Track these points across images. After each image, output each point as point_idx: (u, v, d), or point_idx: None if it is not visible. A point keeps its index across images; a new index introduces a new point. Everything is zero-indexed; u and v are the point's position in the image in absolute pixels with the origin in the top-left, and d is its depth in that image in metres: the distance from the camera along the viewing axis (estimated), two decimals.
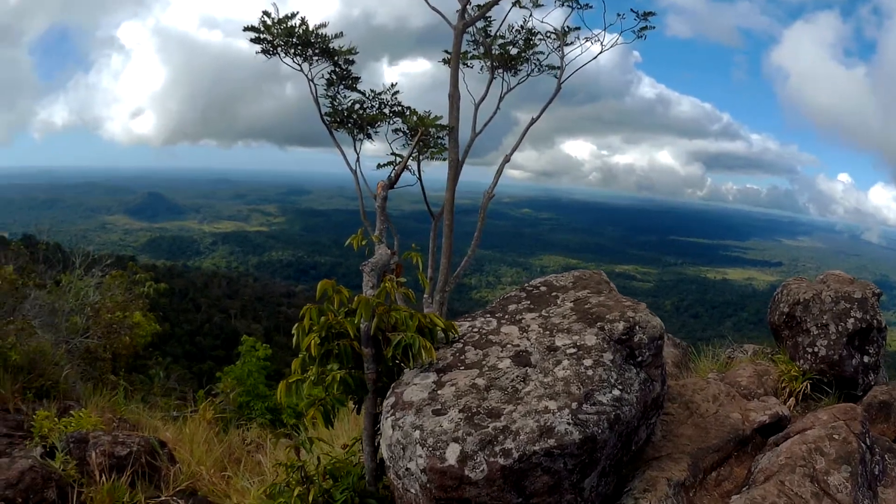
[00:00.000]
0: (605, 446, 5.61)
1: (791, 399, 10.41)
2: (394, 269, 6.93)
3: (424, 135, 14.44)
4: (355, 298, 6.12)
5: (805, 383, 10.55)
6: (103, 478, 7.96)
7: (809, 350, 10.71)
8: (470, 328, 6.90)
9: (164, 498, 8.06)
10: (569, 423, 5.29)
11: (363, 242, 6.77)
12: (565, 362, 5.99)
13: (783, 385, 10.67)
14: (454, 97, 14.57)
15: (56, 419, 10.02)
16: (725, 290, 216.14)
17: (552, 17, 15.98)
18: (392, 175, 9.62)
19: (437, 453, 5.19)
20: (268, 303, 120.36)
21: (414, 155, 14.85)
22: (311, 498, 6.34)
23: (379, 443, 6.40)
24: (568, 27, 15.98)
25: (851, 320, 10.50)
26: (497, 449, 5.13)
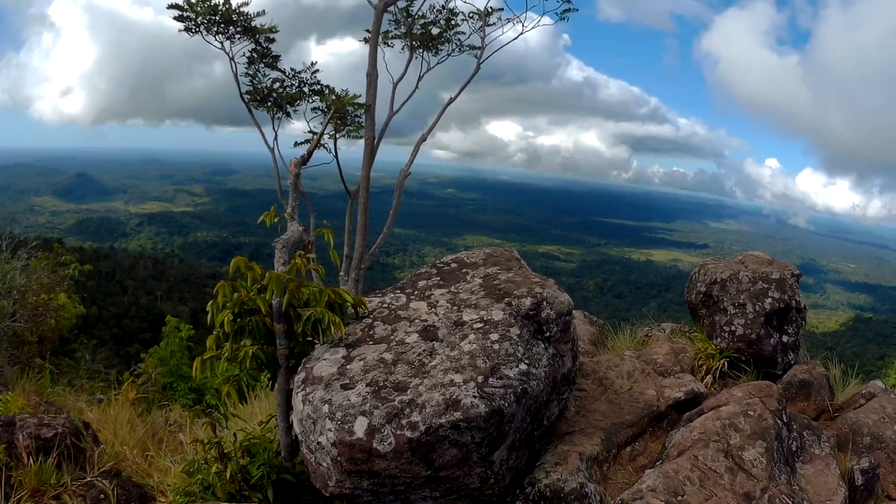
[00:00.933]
0: (512, 420, 5.70)
1: (708, 377, 10.54)
2: (306, 246, 6.98)
3: (339, 112, 14.50)
4: (266, 274, 6.16)
5: (722, 361, 10.69)
6: (31, 460, 7.88)
7: (727, 329, 10.84)
8: (380, 304, 6.97)
9: (88, 479, 7.98)
10: (475, 397, 5.37)
11: (276, 220, 6.81)
12: (471, 336, 6.07)
13: (700, 363, 10.80)
14: (371, 76, 14.65)
15: None
16: (650, 271, 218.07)
17: None
18: (305, 153, 9.64)
19: (346, 427, 5.26)
20: (193, 284, 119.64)
21: (330, 133, 14.93)
22: (227, 474, 6.38)
23: (292, 418, 6.46)
24: (491, 8, 16.08)
25: (769, 300, 10.64)
26: (404, 422, 5.20)
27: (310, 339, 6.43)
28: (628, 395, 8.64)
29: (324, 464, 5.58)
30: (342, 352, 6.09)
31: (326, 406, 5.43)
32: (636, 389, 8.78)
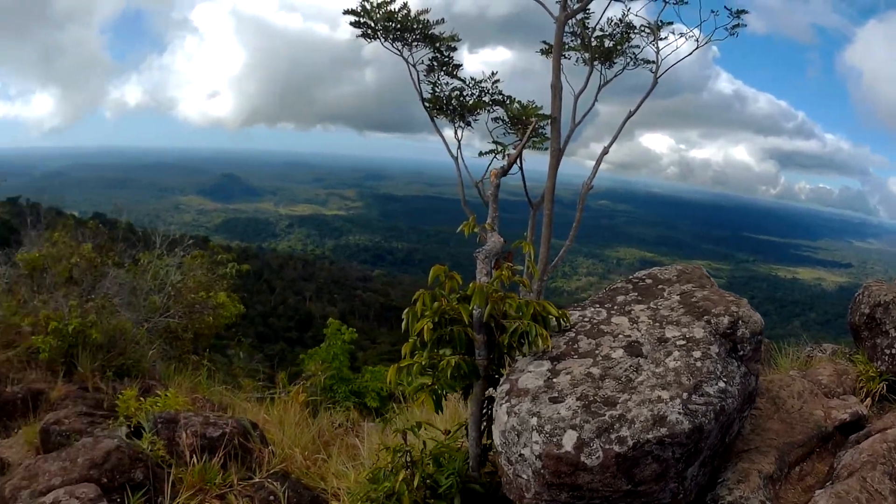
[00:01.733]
0: (709, 437, 5.68)
1: (867, 399, 10.34)
2: (505, 257, 7.00)
3: (529, 124, 14.46)
4: (470, 285, 6.17)
5: (882, 384, 10.48)
6: (194, 459, 8.01)
7: (888, 352, 10.53)
8: (581, 318, 6.95)
9: (257, 479, 8.06)
10: (680, 413, 5.36)
11: (475, 230, 6.82)
12: (675, 353, 6.05)
13: (861, 385, 10.61)
14: (556, 87, 14.54)
15: (142, 399, 10.16)
16: (795, 289, 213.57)
17: (642, 12, 15.96)
18: (506, 164, 9.65)
19: (554, 440, 5.26)
20: (343, 286, 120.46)
21: (515, 144, 14.89)
22: (415, 482, 6.42)
23: (484, 429, 6.48)
24: (661, 21, 15.95)
25: None
26: (613, 437, 5.20)
27: (507, 351, 6.43)
28: (798, 414, 8.53)
29: (523, 476, 5.59)
30: (547, 364, 6.09)
31: (535, 419, 5.44)
32: (805, 410, 8.67)
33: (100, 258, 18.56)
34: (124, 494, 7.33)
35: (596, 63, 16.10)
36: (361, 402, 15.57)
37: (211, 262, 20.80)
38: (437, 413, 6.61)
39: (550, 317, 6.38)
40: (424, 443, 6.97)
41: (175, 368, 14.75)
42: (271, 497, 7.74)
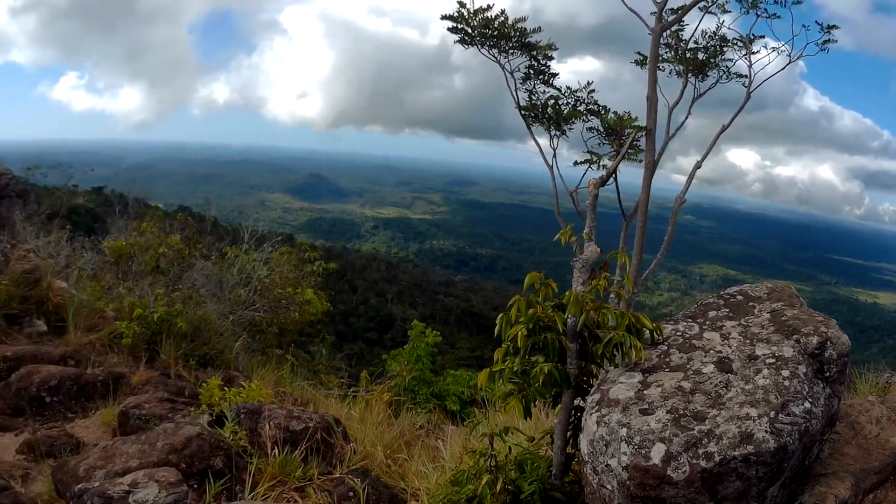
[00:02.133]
0: (792, 457, 5.64)
1: None
2: (601, 268, 6.99)
3: (624, 136, 14.42)
4: (566, 293, 6.17)
5: None
6: (275, 451, 8.07)
7: None
8: (673, 331, 6.92)
9: (337, 475, 8.07)
10: (766, 431, 5.33)
11: (572, 239, 6.81)
12: (765, 371, 6.01)
13: None
14: (652, 99, 14.44)
15: (226, 388, 10.24)
16: (875, 313, 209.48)
17: (735, 25, 15.85)
18: (604, 175, 9.64)
19: (643, 452, 5.26)
20: (425, 290, 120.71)
21: (611, 155, 14.84)
22: (498, 487, 6.42)
23: (570, 437, 6.48)
24: (753, 35, 15.83)
25: None
26: (700, 452, 5.18)
27: (598, 361, 6.42)
28: (876, 441, 8.43)
29: (608, 486, 5.59)
30: (638, 376, 6.08)
31: (624, 429, 5.44)
32: (882, 436, 8.56)
33: (187, 249, 18.89)
34: (205, 481, 7.39)
35: (690, 76, 15.99)
36: (441, 404, 15.56)
37: (298, 260, 20.91)
38: (525, 419, 6.61)
39: (644, 329, 6.36)
40: (510, 448, 6.97)
41: (258, 361, 14.81)
42: (350, 493, 7.75)
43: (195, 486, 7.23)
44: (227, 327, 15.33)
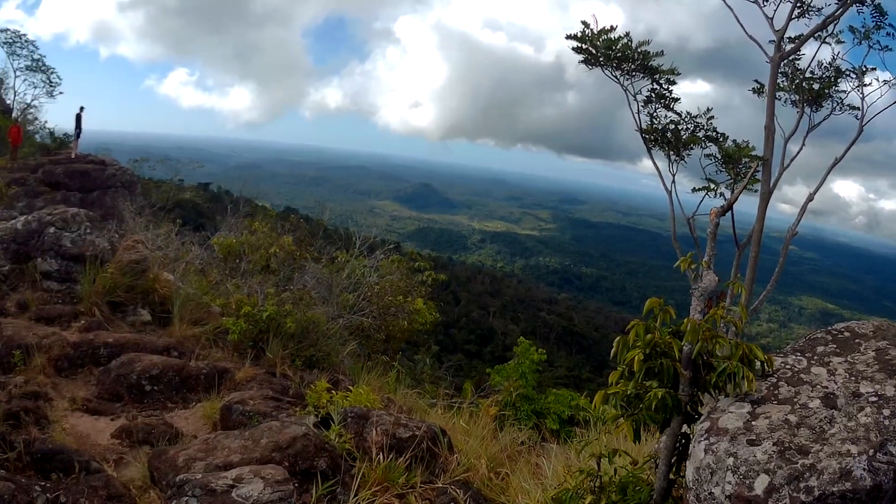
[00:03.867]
0: (884, 497, 5.53)
1: None
2: (718, 297, 6.90)
3: (740, 164, 14.25)
4: (684, 321, 6.11)
5: None
6: (380, 456, 8.01)
7: None
8: (782, 364, 6.82)
9: (440, 485, 8.05)
10: (864, 469, 5.22)
11: (692, 266, 6.73)
12: (867, 409, 5.89)
13: None
14: (770, 129, 14.25)
15: (333, 391, 10.26)
16: None
17: (847, 57, 15.63)
18: (726, 203, 9.53)
19: (747, 482, 5.17)
20: (528, 306, 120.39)
21: (728, 183, 14.67)
22: None
23: (673, 464, 6.41)
24: (866, 67, 15.59)
25: None
26: (801, 485, 5.08)
27: (708, 389, 6.35)
28: None
29: None
30: (747, 407, 5.99)
31: (731, 459, 5.36)
32: None
33: (299, 251, 19.22)
34: (307, 481, 7.42)
35: (805, 105, 15.77)
36: (541, 422, 15.46)
37: (408, 269, 21.08)
38: (635, 443, 6.55)
39: (756, 360, 6.28)
40: (616, 470, 6.91)
41: (364, 366, 14.94)
42: (451, 503, 7.73)
43: (296, 485, 7.24)
44: (336, 330, 15.41)
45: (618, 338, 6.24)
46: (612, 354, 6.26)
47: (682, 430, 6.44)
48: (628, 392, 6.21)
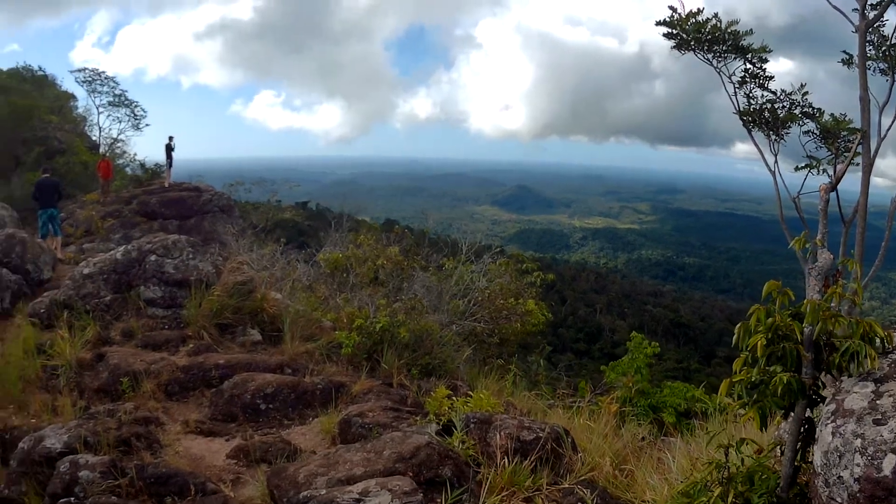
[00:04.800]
0: None
1: None
2: (835, 275, 6.73)
3: (839, 138, 13.98)
4: (803, 302, 5.96)
5: None
6: (505, 460, 7.92)
7: None
8: None
9: (566, 485, 7.92)
10: None
11: (806, 245, 6.55)
12: None
13: None
14: (864, 100, 13.92)
15: (453, 398, 10.23)
16: None
17: None
18: (833, 179, 9.34)
19: (875, 463, 5.02)
20: (634, 300, 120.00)
21: (829, 159, 14.41)
22: (729, 499, 6.23)
23: (799, 448, 6.24)
24: None
25: None
26: None
27: (833, 370, 6.18)
28: None
29: (837, 499, 5.33)
30: (871, 386, 5.82)
31: (858, 440, 5.20)
32: None
33: (406, 261, 19.34)
34: (433, 490, 7.34)
35: (894, 73, 15.42)
36: (658, 416, 15.27)
37: (516, 271, 20.96)
38: (762, 431, 6.39)
39: (876, 337, 6.09)
40: (742, 460, 6.76)
41: (480, 372, 14.97)
42: (579, 503, 7.62)
43: (423, 495, 7.17)
44: (450, 337, 15.37)
45: (739, 324, 6.10)
46: (733, 342, 6.13)
47: (806, 415, 6.27)
48: (753, 379, 6.06)
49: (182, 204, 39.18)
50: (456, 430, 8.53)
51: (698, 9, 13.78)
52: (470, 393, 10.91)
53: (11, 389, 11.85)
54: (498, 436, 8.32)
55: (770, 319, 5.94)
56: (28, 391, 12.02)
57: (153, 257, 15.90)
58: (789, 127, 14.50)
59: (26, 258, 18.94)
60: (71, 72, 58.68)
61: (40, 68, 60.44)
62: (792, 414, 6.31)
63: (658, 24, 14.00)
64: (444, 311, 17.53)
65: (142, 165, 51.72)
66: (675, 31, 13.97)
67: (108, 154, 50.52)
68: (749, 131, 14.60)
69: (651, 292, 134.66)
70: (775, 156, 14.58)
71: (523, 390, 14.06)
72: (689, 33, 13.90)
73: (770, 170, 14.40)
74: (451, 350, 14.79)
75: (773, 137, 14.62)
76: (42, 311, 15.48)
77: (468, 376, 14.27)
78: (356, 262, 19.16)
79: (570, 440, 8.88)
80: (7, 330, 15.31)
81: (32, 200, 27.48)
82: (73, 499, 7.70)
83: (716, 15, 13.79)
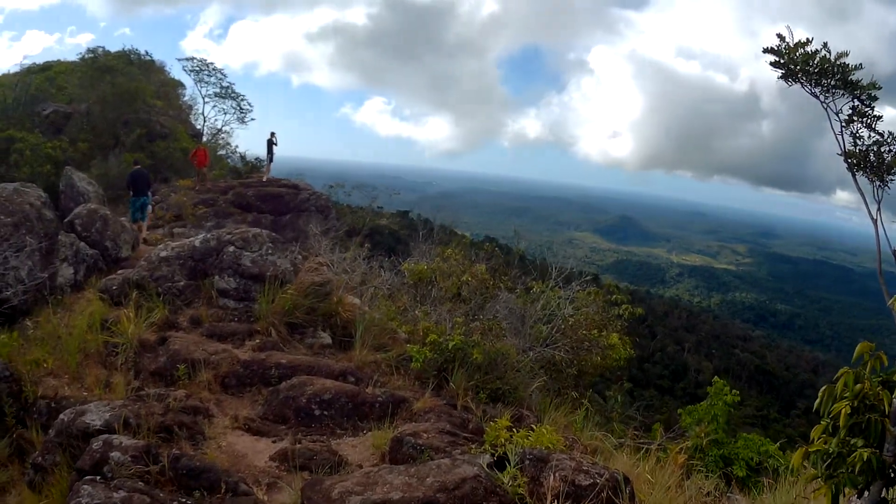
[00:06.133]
0: None
1: None
2: None
3: None
4: (895, 369, 5.50)
5: None
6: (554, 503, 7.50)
7: None
8: None
9: None
10: None
11: None
12: None
13: None
14: None
15: (514, 429, 9.73)
16: None
17: None
18: None
19: None
20: (723, 342, 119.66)
21: None
22: None
23: None
24: None
25: None
26: None
27: None
28: None
29: None
30: None
31: None
32: None
33: (492, 280, 18.90)
34: None
35: None
36: (728, 470, 14.73)
37: (604, 301, 20.23)
38: None
39: None
40: None
41: (552, 402, 14.18)
42: None
43: None
44: (526, 363, 14.89)
45: (824, 387, 5.64)
46: (815, 405, 5.64)
47: (882, 495, 5.80)
48: (830, 450, 5.57)
49: (279, 200, 39.50)
50: (509, 464, 8.10)
51: (807, 38, 13.32)
52: (534, 426, 10.30)
53: (69, 361, 12.43)
54: (552, 477, 7.88)
55: (858, 386, 5.45)
56: (86, 364, 12.38)
57: (231, 248, 15.92)
58: (895, 173, 13.95)
59: (106, 234, 19.35)
60: (178, 60, 59.54)
61: (147, 53, 61.92)
62: (867, 493, 5.85)
63: (765, 51, 13.56)
64: (524, 335, 17.09)
65: (242, 158, 53.22)
66: (782, 61, 13.51)
67: (209, 143, 51.37)
68: (853, 174, 14.05)
69: (740, 336, 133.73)
70: (878, 203, 14.02)
71: (594, 426, 13.49)
72: (796, 63, 13.43)
73: (872, 218, 13.82)
74: (525, 376, 14.32)
75: (878, 183, 14.04)
76: (114, 287, 15.76)
77: (539, 406, 13.73)
78: (441, 276, 18.90)
79: (629, 490, 8.40)
80: (76, 302, 15.94)
81: (126, 189, 28.01)
82: (99, 478, 7.73)
83: (825, 45, 13.29)
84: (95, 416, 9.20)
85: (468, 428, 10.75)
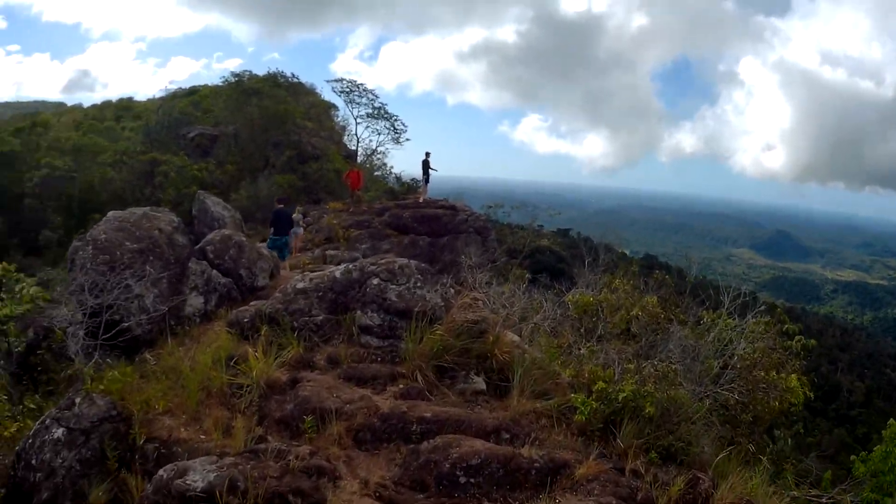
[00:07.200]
0: None
1: None
2: None
3: None
4: None
5: None
6: None
7: None
8: None
9: None
10: None
11: None
12: None
13: None
14: None
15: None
16: None
17: None
18: None
19: None
20: (875, 361, 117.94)
21: None
22: None
23: None
24: None
25: None
26: None
27: None
28: None
29: None
30: None
31: None
32: None
33: (663, 313, 17.45)
34: None
35: None
36: None
37: (777, 333, 17.96)
38: None
39: None
40: None
41: (729, 457, 12.11)
42: None
43: None
44: (701, 412, 13.05)
45: None
46: None
47: None
48: None
49: (436, 221, 39.68)
50: None
51: None
52: (712, 490, 9.52)
53: (189, 400, 11.86)
54: None
55: None
56: (207, 404, 11.91)
57: (376, 280, 14.74)
58: None
59: (240, 262, 18.53)
60: (328, 81, 60.64)
61: (293, 75, 64.01)
62: None
63: None
64: (696, 374, 15.37)
65: (398, 178, 54.88)
66: None
67: (365, 164, 53.27)
68: None
69: (892, 354, 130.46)
70: None
71: (767, 479, 12.00)
72: None
73: None
74: (700, 428, 12.75)
75: None
76: (245, 320, 15.08)
77: (716, 463, 11.76)
78: (608, 309, 17.78)
79: None
80: (204, 334, 15.28)
81: (268, 226, 28.68)
82: None
83: None
84: (199, 475, 8.84)
85: (636, 499, 9.70)
